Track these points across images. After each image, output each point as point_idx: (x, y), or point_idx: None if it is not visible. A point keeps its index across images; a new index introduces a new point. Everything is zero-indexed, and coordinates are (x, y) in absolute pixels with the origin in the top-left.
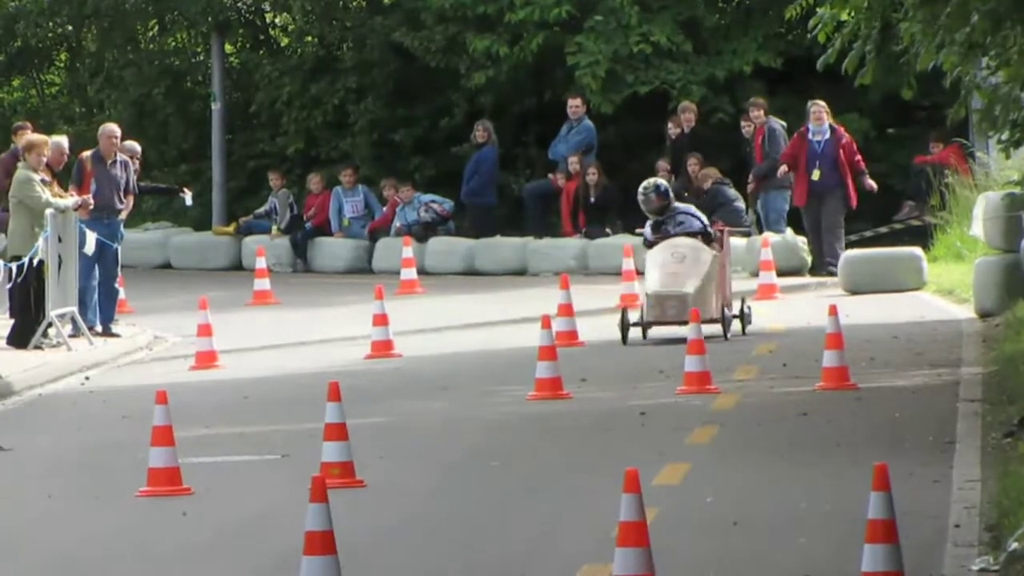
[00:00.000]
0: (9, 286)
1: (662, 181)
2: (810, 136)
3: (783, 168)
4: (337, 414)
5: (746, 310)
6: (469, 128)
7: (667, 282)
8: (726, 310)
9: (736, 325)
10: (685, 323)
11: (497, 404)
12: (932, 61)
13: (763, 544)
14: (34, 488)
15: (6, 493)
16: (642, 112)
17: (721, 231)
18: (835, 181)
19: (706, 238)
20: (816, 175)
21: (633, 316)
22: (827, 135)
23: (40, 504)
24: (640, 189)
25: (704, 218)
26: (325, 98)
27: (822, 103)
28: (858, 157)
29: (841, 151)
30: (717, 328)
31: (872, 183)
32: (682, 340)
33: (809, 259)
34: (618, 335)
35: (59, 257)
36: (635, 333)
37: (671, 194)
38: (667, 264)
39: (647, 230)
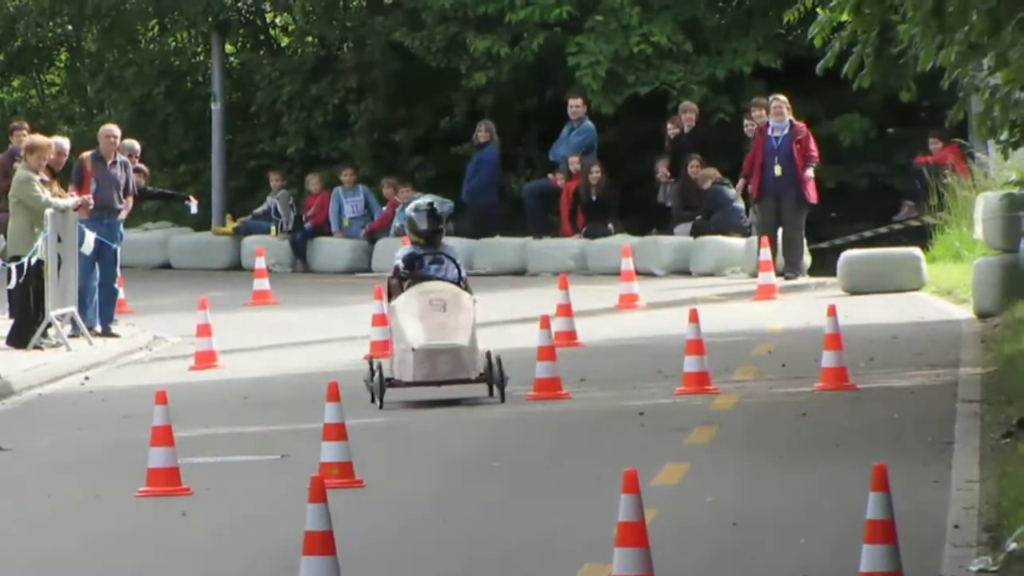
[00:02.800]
0: (9, 286)
1: (443, 205)
2: (769, 132)
3: (740, 183)
4: (336, 414)
5: (499, 364)
6: (469, 128)
7: (434, 334)
8: (488, 365)
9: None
10: (460, 381)
11: (496, 404)
12: (931, 62)
13: (762, 544)
14: (33, 488)
15: (5, 492)
16: (643, 112)
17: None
18: (793, 179)
19: (458, 283)
20: (778, 170)
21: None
22: (786, 130)
23: (39, 504)
24: (412, 207)
25: (462, 269)
26: (325, 98)
27: (783, 98)
28: (812, 152)
29: (797, 145)
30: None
31: (810, 174)
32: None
33: (808, 260)
34: (618, 335)
35: (59, 257)
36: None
37: (443, 223)
38: (427, 312)
39: (400, 258)
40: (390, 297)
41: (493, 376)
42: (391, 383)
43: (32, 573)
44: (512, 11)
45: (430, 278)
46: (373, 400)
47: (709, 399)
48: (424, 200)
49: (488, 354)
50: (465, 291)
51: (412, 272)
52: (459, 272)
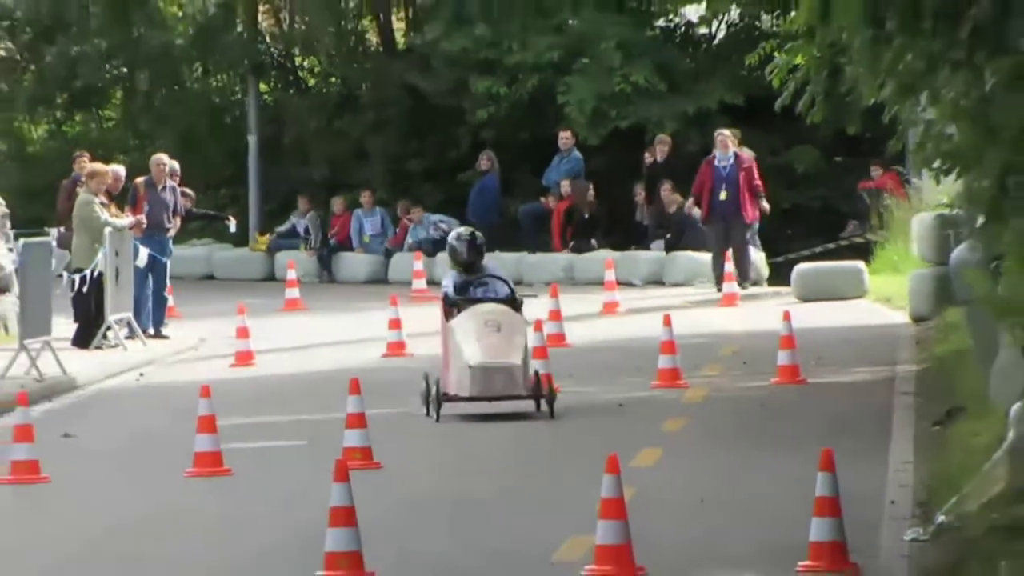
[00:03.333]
0: (73, 295)
1: (479, 233)
2: (716, 162)
3: (690, 201)
4: (358, 405)
5: (547, 383)
6: (472, 158)
7: (490, 353)
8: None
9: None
10: (512, 397)
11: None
12: (874, 99)
13: (726, 519)
14: (95, 469)
15: (71, 474)
16: (623, 143)
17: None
18: (736, 203)
19: (513, 305)
20: (723, 195)
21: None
22: (731, 160)
23: (100, 483)
24: (453, 236)
25: (510, 283)
26: (347, 131)
27: (727, 132)
28: (757, 181)
29: (742, 174)
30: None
31: (766, 205)
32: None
33: (766, 272)
34: (601, 336)
35: (116, 269)
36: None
37: (484, 250)
38: (483, 333)
39: (449, 285)
40: (446, 318)
41: (541, 392)
42: (447, 398)
43: (94, 543)
44: (509, 55)
45: (480, 300)
46: (428, 414)
47: (680, 392)
48: (464, 230)
49: (536, 373)
50: (516, 308)
51: (463, 298)
52: (509, 287)
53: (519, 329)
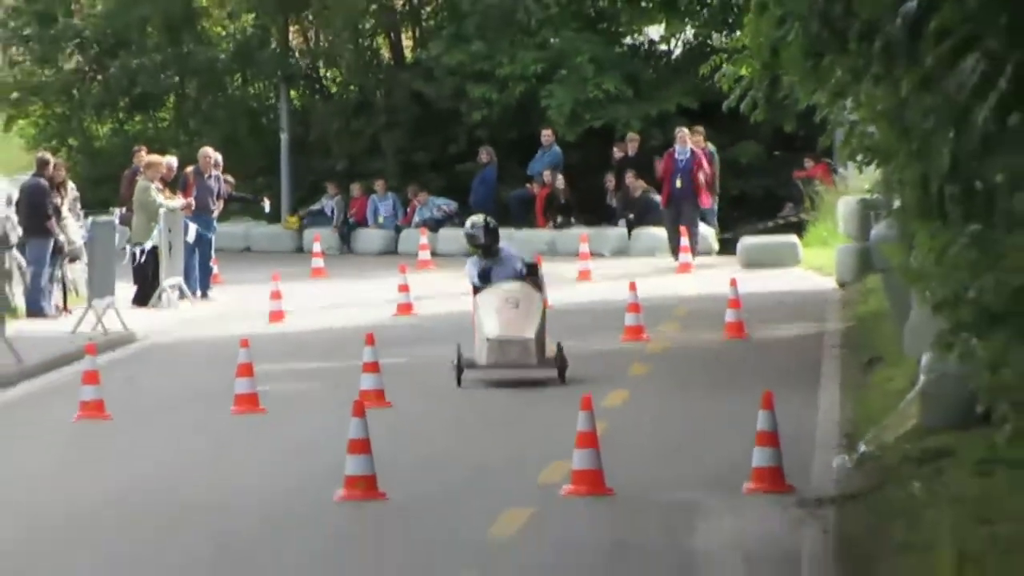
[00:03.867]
0: (133, 264)
1: (492, 220)
2: (676, 155)
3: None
4: (372, 355)
5: (562, 354)
6: (469, 153)
7: (507, 327)
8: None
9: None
10: (525, 366)
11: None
12: (807, 102)
13: (683, 449)
14: (151, 408)
15: (130, 413)
16: (596, 140)
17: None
18: (690, 190)
19: (532, 279)
20: (679, 183)
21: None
22: (688, 154)
23: (156, 420)
24: (469, 223)
25: (524, 259)
26: (363, 130)
27: (685, 130)
28: (706, 169)
29: (695, 166)
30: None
31: (707, 198)
32: (619, 304)
33: (716, 246)
34: (577, 299)
35: (169, 243)
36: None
37: (499, 233)
38: (503, 309)
39: (473, 273)
40: (474, 295)
41: (563, 362)
42: (470, 365)
43: (152, 472)
44: (500, 67)
45: (502, 282)
46: (458, 383)
47: (644, 345)
48: (479, 218)
49: (558, 345)
50: (534, 285)
51: (485, 282)
52: (526, 267)
53: (536, 305)
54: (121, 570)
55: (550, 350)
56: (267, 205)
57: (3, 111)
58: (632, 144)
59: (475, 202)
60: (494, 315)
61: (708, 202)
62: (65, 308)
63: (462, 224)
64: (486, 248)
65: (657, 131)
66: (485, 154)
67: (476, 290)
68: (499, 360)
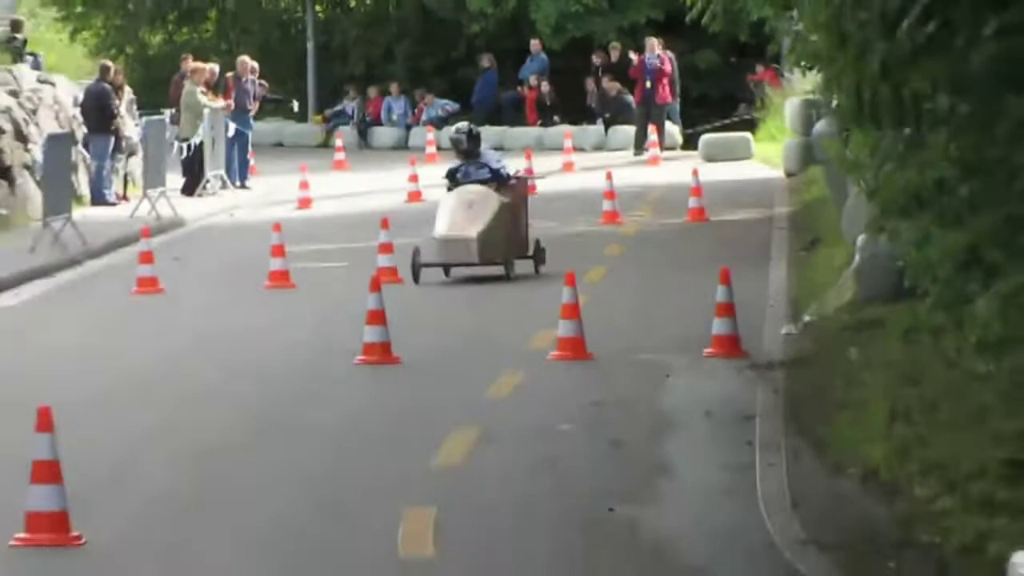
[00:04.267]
0: (182, 158)
1: (475, 127)
2: (646, 60)
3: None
4: (388, 237)
5: (541, 248)
6: (469, 60)
7: (453, 227)
8: (525, 248)
9: (528, 265)
10: (472, 264)
11: None
12: (758, 15)
13: (653, 318)
14: (197, 283)
15: (179, 288)
16: (577, 49)
17: (518, 179)
18: (656, 90)
19: (499, 185)
20: (648, 84)
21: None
22: (656, 60)
23: (201, 293)
24: (454, 129)
25: (501, 168)
26: (378, 40)
27: (654, 39)
28: (672, 75)
29: (663, 70)
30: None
31: (666, 95)
32: (598, 191)
33: (680, 140)
34: (561, 187)
35: (212, 139)
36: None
37: (480, 139)
38: (455, 210)
39: (445, 176)
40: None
41: (539, 256)
42: (423, 264)
43: (198, 339)
44: None
45: (469, 182)
46: (415, 279)
47: (618, 228)
48: (463, 124)
49: (537, 241)
50: (500, 189)
51: (455, 181)
52: (491, 172)
53: (490, 207)
54: (173, 422)
55: (528, 247)
56: (295, 105)
57: (69, 23)
58: (614, 52)
59: (477, 101)
60: (446, 215)
61: (671, 99)
62: (124, 197)
63: (474, 123)
64: (467, 152)
65: (629, 41)
66: (487, 60)
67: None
68: (444, 258)
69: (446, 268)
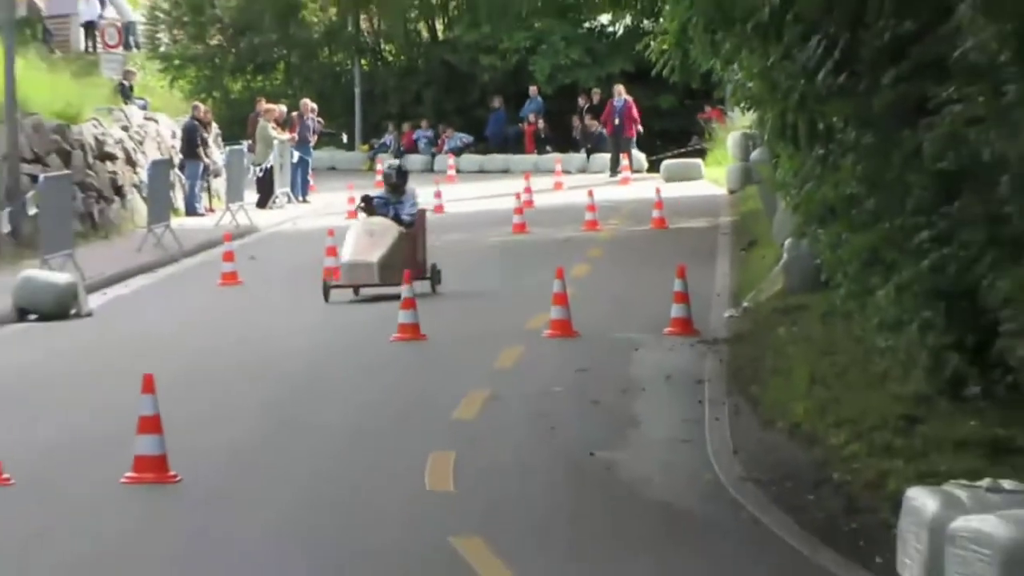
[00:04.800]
0: (256, 179)
1: (405, 165)
2: (615, 102)
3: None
4: None
5: (437, 270)
6: (482, 102)
7: (357, 253)
8: (424, 271)
9: (427, 286)
10: (374, 285)
11: (496, 233)
12: (707, 66)
13: (625, 305)
14: (270, 278)
15: (255, 281)
16: (566, 94)
17: (418, 215)
18: (624, 126)
19: (398, 222)
20: (617, 121)
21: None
22: (622, 102)
23: (273, 286)
24: (387, 166)
25: (408, 212)
26: (410, 87)
27: (620, 87)
28: (635, 115)
29: (628, 110)
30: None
31: (638, 129)
32: (581, 205)
33: (646, 166)
34: (553, 203)
35: (280, 164)
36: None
37: (407, 177)
38: (359, 238)
39: (359, 199)
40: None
41: (436, 278)
42: (334, 285)
43: (271, 320)
44: (501, 43)
45: (376, 213)
46: (326, 298)
47: (598, 234)
48: (395, 162)
49: (434, 266)
50: (404, 225)
51: (366, 207)
52: (400, 213)
53: (389, 238)
54: (248, 384)
55: (426, 270)
56: (345, 138)
57: (168, 73)
58: (595, 95)
59: (491, 134)
60: (351, 243)
61: (633, 133)
62: (210, 209)
63: (476, 151)
64: (394, 186)
65: (605, 87)
66: (497, 102)
67: (356, 214)
68: (350, 280)
69: (354, 288)
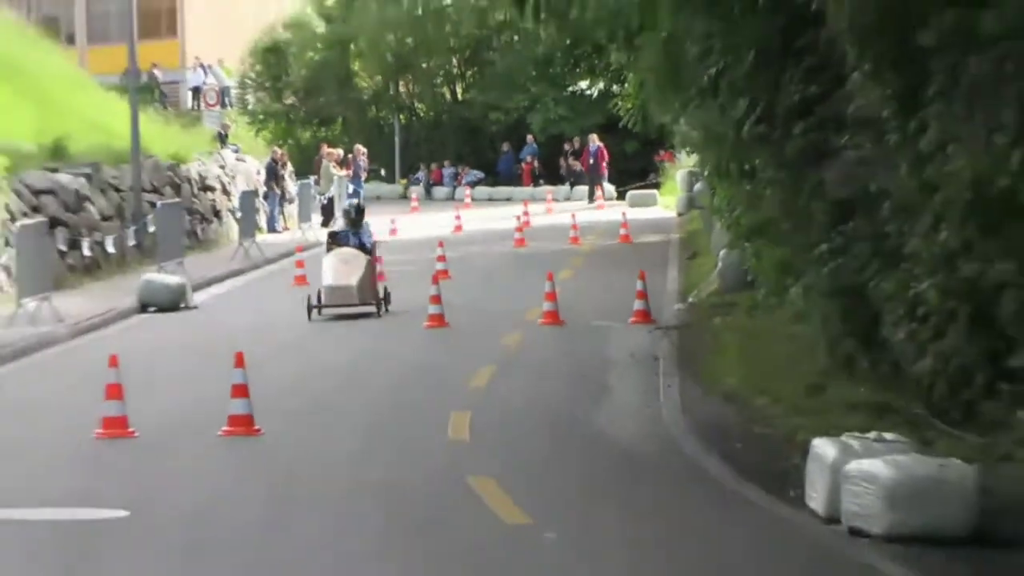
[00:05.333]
0: (321, 204)
1: (363, 205)
2: (591, 147)
3: (578, 163)
4: (441, 252)
5: (387, 292)
6: (493, 148)
7: (337, 278)
8: (379, 294)
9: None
10: (347, 305)
11: (502, 246)
12: (661, 120)
13: (600, 301)
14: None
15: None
16: (555, 141)
17: (375, 243)
18: (597, 164)
19: (363, 250)
20: (591, 162)
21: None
22: (596, 147)
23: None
24: (346, 204)
25: (368, 240)
26: (436, 137)
27: (594, 135)
28: (606, 156)
29: (600, 153)
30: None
31: (608, 167)
32: (567, 226)
33: (615, 195)
34: (545, 223)
35: (338, 194)
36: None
37: (364, 215)
38: (337, 266)
39: (328, 234)
40: (326, 252)
41: (381, 302)
42: (317, 305)
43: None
44: (507, 103)
45: (345, 245)
46: (309, 317)
47: (579, 247)
48: (353, 202)
49: (385, 289)
50: (367, 253)
51: (335, 241)
52: (362, 242)
53: (361, 264)
54: (313, 358)
55: (380, 291)
56: (383, 172)
57: (255, 126)
58: (576, 142)
59: (502, 171)
60: (331, 270)
61: (605, 171)
62: (286, 227)
63: (486, 184)
64: (353, 222)
65: (583, 136)
66: (506, 146)
67: (329, 246)
68: (331, 300)
69: (316, 311)
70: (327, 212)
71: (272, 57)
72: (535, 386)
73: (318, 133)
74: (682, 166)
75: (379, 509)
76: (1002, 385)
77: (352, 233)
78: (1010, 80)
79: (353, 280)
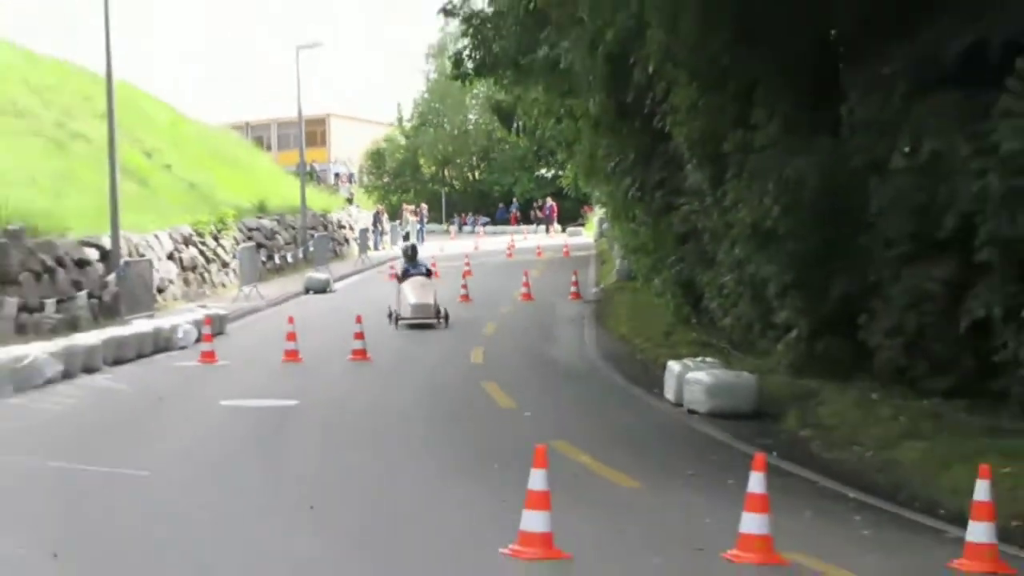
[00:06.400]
0: (402, 235)
1: (417, 245)
2: (547, 204)
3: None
4: (468, 263)
5: (446, 312)
6: (493, 205)
7: (421, 298)
8: (441, 311)
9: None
10: (428, 318)
11: (499, 257)
12: (585, 189)
13: (553, 288)
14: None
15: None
16: (528, 202)
17: (433, 267)
18: (550, 214)
19: (428, 276)
20: (547, 212)
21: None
22: (550, 204)
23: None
24: (404, 246)
25: (429, 267)
26: (462, 199)
27: (550, 198)
28: (555, 214)
29: (552, 208)
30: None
31: (554, 217)
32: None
33: (560, 229)
34: (528, 245)
35: (410, 231)
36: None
37: (418, 251)
38: (417, 289)
39: (399, 269)
40: (399, 282)
41: (444, 317)
42: (401, 318)
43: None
44: (502, 181)
45: (416, 275)
46: (393, 325)
47: (541, 258)
48: (409, 243)
49: (444, 309)
50: (428, 277)
51: (407, 276)
52: (427, 270)
53: (432, 286)
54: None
55: (443, 311)
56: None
57: (367, 193)
58: (539, 202)
59: (499, 217)
60: (414, 292)
61: (555, 217)
62: (383, 248)
63: (491, 225)
64: (410, 258)
65: (542, 197)
66: (502, 204)
67: (400, 279)
68: (416, 315)
69: (397, 322)
70: (406, 239)
71: (376, 156)
72: (518, 334)
73: (401, 197)
74: (596, 214)
75: (434, 396)
76: (768, 332)
77: (413, 266)
78: (771, 171)
79: (431, 299)
